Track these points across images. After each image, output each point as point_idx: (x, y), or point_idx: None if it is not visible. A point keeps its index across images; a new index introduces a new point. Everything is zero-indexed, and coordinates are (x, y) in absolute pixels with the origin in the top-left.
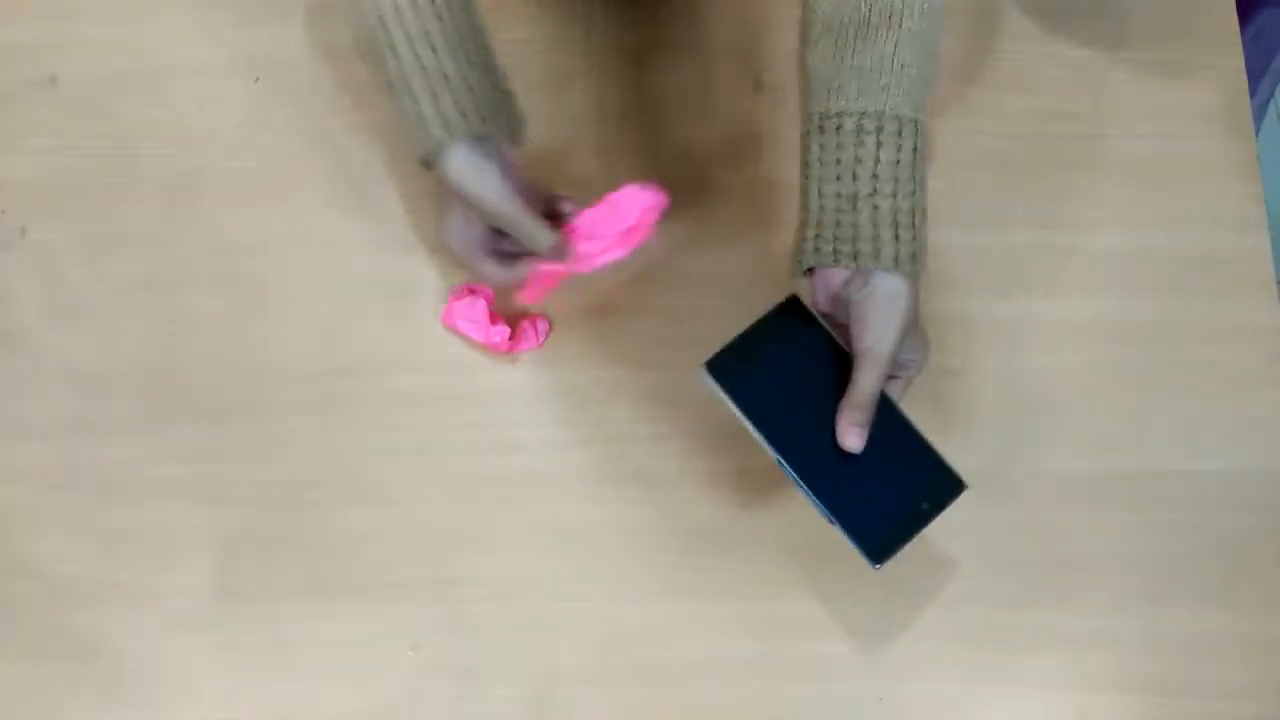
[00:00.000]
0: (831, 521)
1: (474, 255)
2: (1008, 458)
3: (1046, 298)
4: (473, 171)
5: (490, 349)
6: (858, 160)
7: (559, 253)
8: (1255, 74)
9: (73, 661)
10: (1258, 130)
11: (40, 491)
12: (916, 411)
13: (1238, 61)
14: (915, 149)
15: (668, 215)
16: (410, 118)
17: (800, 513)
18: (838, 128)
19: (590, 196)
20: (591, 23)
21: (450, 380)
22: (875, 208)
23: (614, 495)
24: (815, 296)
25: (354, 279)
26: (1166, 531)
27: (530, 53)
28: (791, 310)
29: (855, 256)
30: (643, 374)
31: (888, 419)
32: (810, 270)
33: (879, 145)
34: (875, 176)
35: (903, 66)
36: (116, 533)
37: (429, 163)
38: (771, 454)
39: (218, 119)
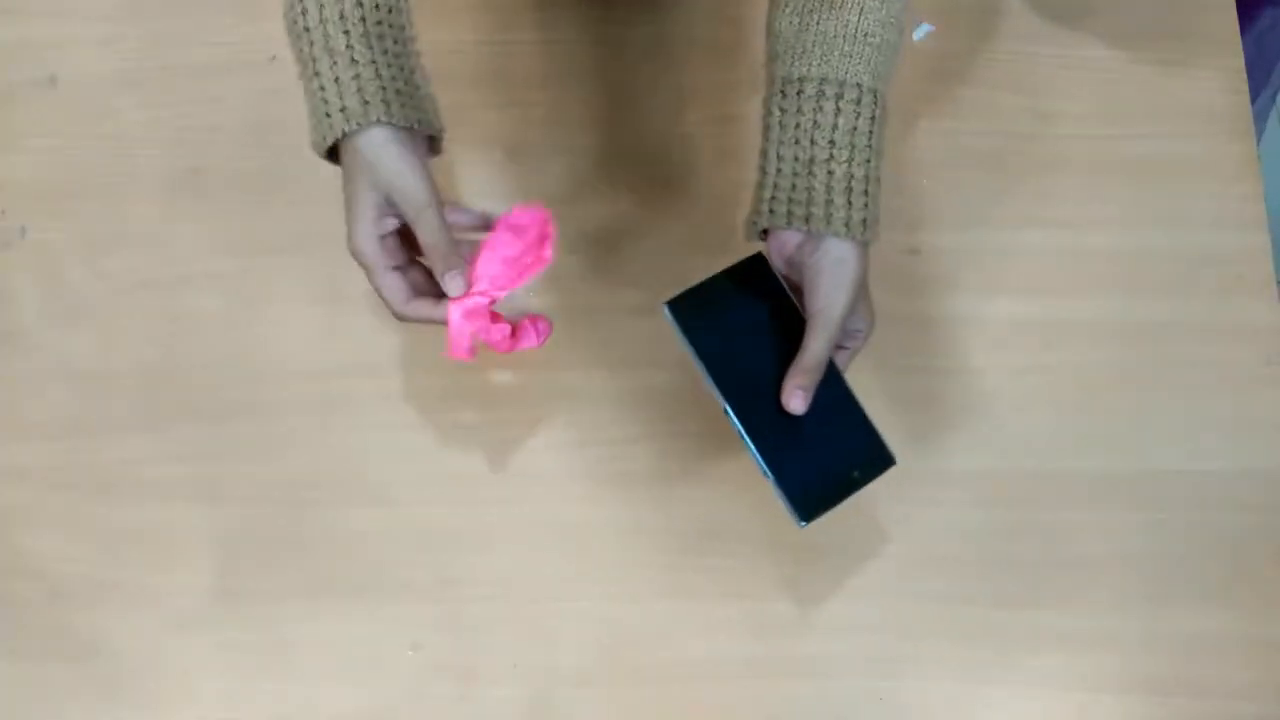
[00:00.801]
0: (766, 475)
1: (382, 268)
2: (1008, 458)
3: (1046, 298)
4: (389, 146)
5: (490, 348)
6: (816, 125)
7: (450, 276)
8: (1255, 74)
9: (73, 661)
10: (1260, 131)
11: (40, 491)
12: (917, 411)
13: (1238, 61)
14: (874, 117)
15: (670, 216)
16: (315, 102)
17: None
18: (798, 92)
19: (587, 198)
20: (583, 25)
21: (450, 380)
22: (830, 173)
23: (614, 495)
24: (771, 259)
25: (354, 279)
26: (1166, 531)
27: (524, 54)
28: (755, 267)
29: (807, 220)
30: (643, 374)
31: (832, 386)
32: (765, 232)
33: (838, 112)
34: (832, 143)
35: (865, 35)
36: (116, 533)
37: (333, 147)
38: (719, 400)
39: (218, 119)
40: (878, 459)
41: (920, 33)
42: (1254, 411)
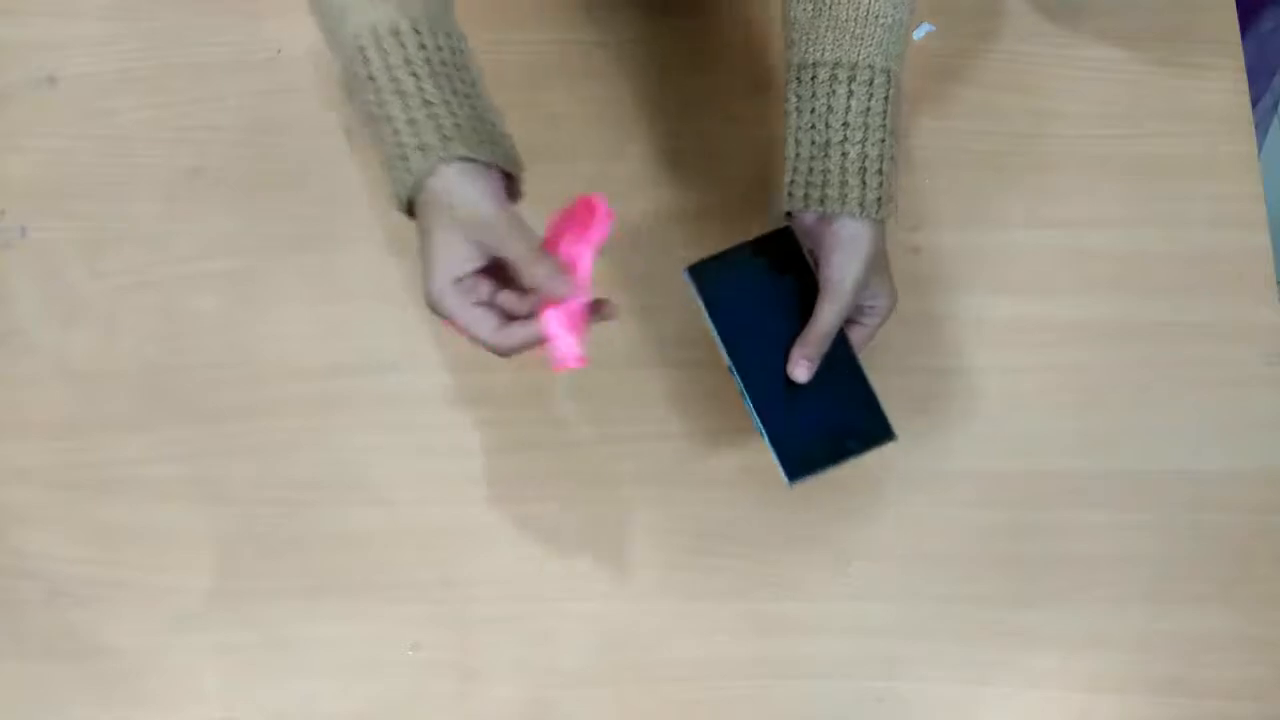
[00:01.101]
0: (761, 433)
1: (464, 306)
2: (1007, 457)
3: (1046, 298)
4: (466, 181)
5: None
6: (830, 109)
7: (556, 278)
8: (1255, 74)
9: (73, 661)
10: (1262, 135)
11: (40, 491)
12: (917, 411)
13: (1238, 62)
14: (886, 98)
15: (672, 217)
16: (389, 148)
17: (800, 512)
18: (813, 78)
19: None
20: (601, 25)
21: (450, 380)
22: (844, 155)
23: (614, 495)
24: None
25: (354, 279)
26: (1166, 531)
27: (527, 54)
28: (781, 240)
29: (823, 201)
30: (643, 374)
31: (840, 358)
32: (789, 215)
33: (850, 95)
34: (846, 125)
35: (876, 16)
36: (116, 533)
37: (410, 200)
38: (725, 360)
39: (218, 119)
40: (876, 431)
41: (920, 32)
42: (1254, 411)
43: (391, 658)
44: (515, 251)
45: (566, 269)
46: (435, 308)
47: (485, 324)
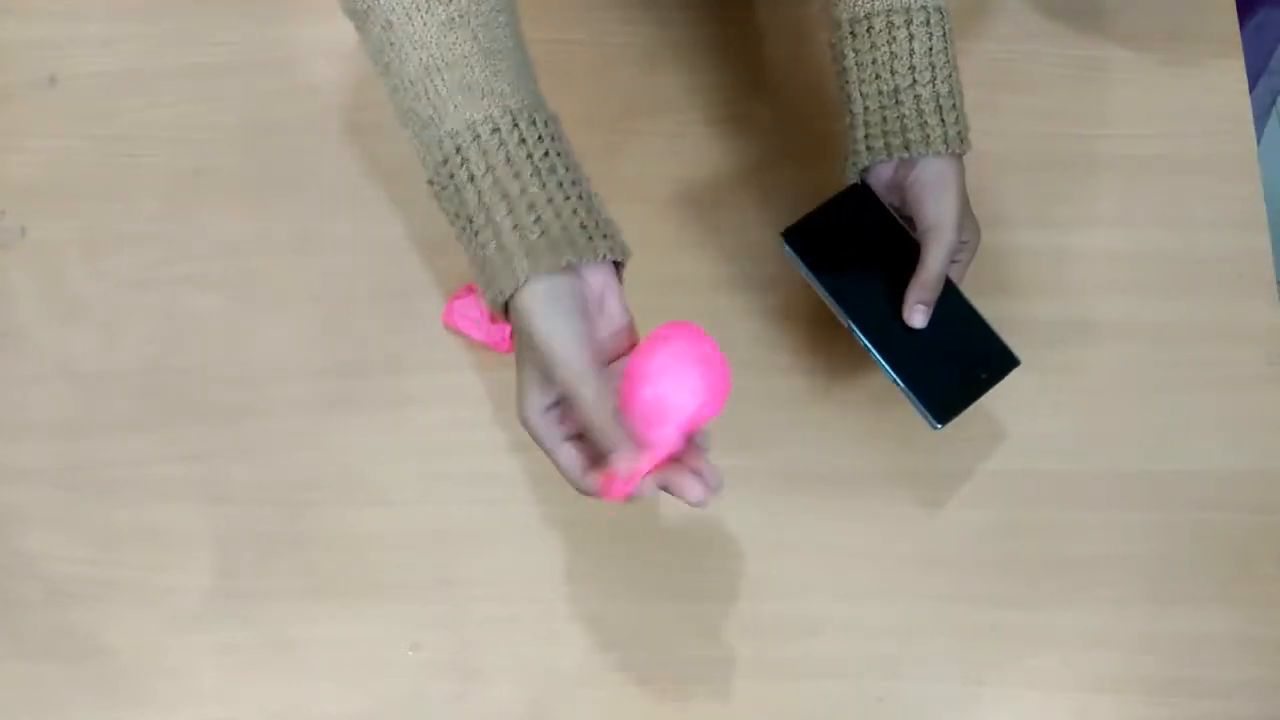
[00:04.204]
0: (898, 385)
1: (552, 437)
2: (1008, 457)
3: (1046, 298)
4: (546, 306)
5: (490, 348)
6: (894, 55)
7: (624, 452)
8: (1255, 73)
9: (73, 661)
10: (1260, 130)
11: (40, 491)
12: (917, 411)
13: (1238, 61)
14: (944, 34)
15: (673, 218)
16: (490, 252)
17: (799, 512)
18: (869, 29)
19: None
20: (587, 25)
21: (450, 380)
22: (917, 97)
23: None
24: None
25: (354, 279)
26: (1166, 531)
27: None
28: (858, 195)
29: (907, 146)
30: None
31: (949, 297)
32: (863, 170)
33: (911, 38)
34: (912, 68)
35: None
36: (116, 533)
37: (506, 305)
38: (845, 321)
39: (218, 119)
40: (1002, 360)
41: None
42: (1254, 411)
43: (391, 658)
44: (580, 412)
45: (645, 429)
46: (527, 431)
47: (571, 464)
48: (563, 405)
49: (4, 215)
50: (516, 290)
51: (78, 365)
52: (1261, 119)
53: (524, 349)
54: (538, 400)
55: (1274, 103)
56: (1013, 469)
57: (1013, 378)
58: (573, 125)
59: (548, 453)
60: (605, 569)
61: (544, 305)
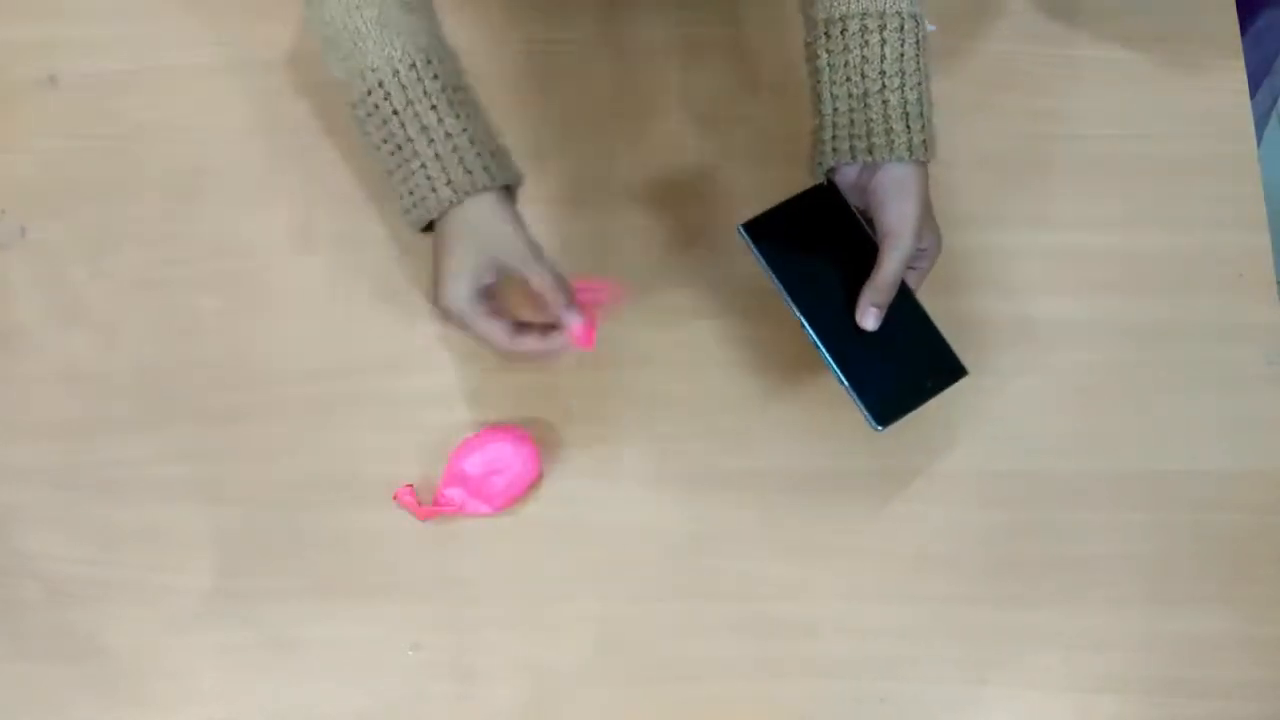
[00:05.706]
0: (842, 383)
1: (478, 314)
2: (1008, 458)
3: (1046, 298)
4: (492, 213)
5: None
6: (865, 60)
7: (562, 289)
8: (1256, 74)
9: (73, 661)
10: (1260, 132)
11: (40, 491)
12: (918, 411)
13: (1238, 61)
14: (917, 42)
15: (674, 218)
16: (416, 180)
17: (799, 512)
18: (842, 31)
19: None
20: (596, 25)
21: (450, 380)
22: (885, 102)
23: (615, 495)
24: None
25: (354, 279)
26: (1166, 531)
27: (527, 55)
28: (822, 195)
29: (870, 150)
30: (642, 375)
31: (903, 302)
32: (830, 171)
33: (883, 43)
34: (882, 73)
35: None
36: (116, 533)
37: (430, 223)
38: (795, 314)
39: (218, 119)
40: (949, 369)
41: None
42: (1254, 411)
43: (391, 658)
44: (536, 281)
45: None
46: (449, 314)
47: (501, 332)
48: (488, 290)
49: (4, 215)
50: (454, 208)
51: (78, 365)
52: (1263, 122)
53: (463, 248)
54: (464, 288)
55: (1275, 105)
56: (1013, 469)
57: (1014, 378)
58: (566, 124)
59: (477, 330)
60: (604, 569)
61: (497, 210)
